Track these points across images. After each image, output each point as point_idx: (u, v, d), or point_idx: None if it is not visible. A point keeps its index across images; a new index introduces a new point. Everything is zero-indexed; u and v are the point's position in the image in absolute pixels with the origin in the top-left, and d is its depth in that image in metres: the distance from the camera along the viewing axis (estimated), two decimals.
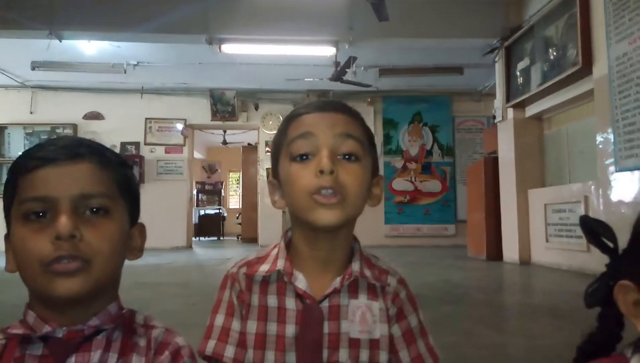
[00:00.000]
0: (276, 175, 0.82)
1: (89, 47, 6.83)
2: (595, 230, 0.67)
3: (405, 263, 6.08)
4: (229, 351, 0.77)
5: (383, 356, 0.78)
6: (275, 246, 0.84)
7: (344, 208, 0.74)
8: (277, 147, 0.82)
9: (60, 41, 6.08)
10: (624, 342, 0.64)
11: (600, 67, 4.43)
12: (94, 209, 0.67)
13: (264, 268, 0.80)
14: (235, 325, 0.78)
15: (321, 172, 0.73)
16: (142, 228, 0.77)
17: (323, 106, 0.81)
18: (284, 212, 9.05)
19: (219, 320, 0.79)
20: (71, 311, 0.66)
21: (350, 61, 6.54)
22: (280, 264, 0.79)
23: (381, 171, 9.06)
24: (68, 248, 0.63)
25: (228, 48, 6.41)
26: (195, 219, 11.61)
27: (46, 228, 0.64)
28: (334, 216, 0.74)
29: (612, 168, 4.25)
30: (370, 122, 9.13)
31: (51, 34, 5.87)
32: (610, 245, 0.67)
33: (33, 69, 7.44)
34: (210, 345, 0.78)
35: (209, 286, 3.73)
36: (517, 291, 4.18)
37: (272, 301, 0.78)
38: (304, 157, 0.76)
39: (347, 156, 0.76)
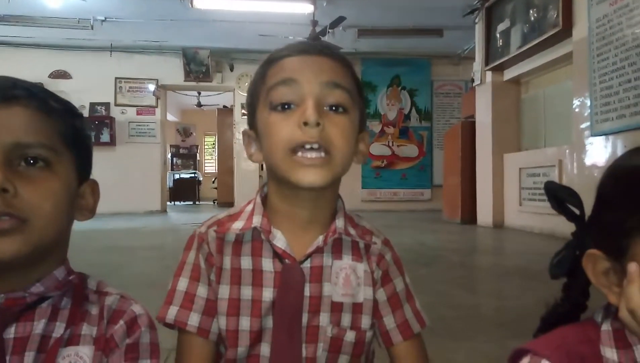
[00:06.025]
0: (253, 125, 0.74)
1: (52, 1, 6.44)
2: (559, 196, 0.63)
3: (382, 226, 6.09)
4: (193, 319, 0.70)
5: (366, 320, 0.74)
6: (249, 202, 0.76)
7: (331, 166, 0.67)
8: (255, 94, 0.73)
9: None
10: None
11: (580, 29, 4.39)
12: (31, 161, 0.59)
13: (237, 225, 0.72)
14: (201, 290, 0.71)
15: (305, 124, 0.65)
16: (95, 185, 0.69)
17: (307, 48, 0.71)
18: (260, 176, 8.95)
19: (182, 284, 0.72)
20: (9, 276, 0.59)
21: (332, 21, 6.33)
22: (257, 221, 0.72)
23: None
24: None
25: (200, 3, 6.15)
26: (169, 184, 11.43)
27: None
28: (319, 176, 0.66)
29: (587, 132, 4.28)
30: None
31: None
32: (576, 211, 0.62)
33: None
34: (172, 312, 0.71)
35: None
36: (490, 253, 4.26)
37: (246, 262, 0.72)
38: (286, 106, 0.67)
39: (333, 108, 0.68)
